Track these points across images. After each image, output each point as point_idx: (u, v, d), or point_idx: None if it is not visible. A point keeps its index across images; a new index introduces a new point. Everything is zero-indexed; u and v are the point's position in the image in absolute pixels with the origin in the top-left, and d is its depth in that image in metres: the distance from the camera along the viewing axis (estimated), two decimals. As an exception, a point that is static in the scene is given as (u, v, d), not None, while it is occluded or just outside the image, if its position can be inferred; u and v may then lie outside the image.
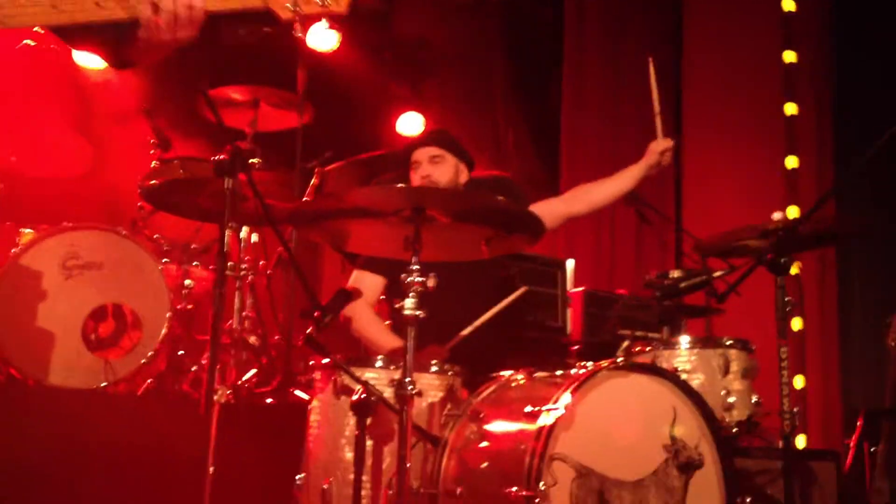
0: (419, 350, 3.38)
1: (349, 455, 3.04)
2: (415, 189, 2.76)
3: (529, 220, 2.92)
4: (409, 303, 2.81)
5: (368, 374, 3.08)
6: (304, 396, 4.01)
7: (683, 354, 3.48)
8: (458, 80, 7.06)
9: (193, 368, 4.14)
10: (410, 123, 6.72)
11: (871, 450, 4.73)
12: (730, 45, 6.66)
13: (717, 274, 3.31)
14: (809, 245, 3.84)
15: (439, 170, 3.89)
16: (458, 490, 2.91)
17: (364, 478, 2.96)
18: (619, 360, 3.02)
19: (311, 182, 4.61)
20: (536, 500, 2.63)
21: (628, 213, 5.81)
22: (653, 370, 3.03)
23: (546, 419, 2.75)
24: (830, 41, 6.68)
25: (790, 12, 6.56)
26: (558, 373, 3.17)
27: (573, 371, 3.00)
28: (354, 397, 2.95)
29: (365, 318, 3.85)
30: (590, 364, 2.98)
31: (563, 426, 2.75)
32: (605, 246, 6.27)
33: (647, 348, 3.49)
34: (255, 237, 4.53)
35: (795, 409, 3.12)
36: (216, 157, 2.77)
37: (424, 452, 3.07)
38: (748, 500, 3.01)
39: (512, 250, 3.13)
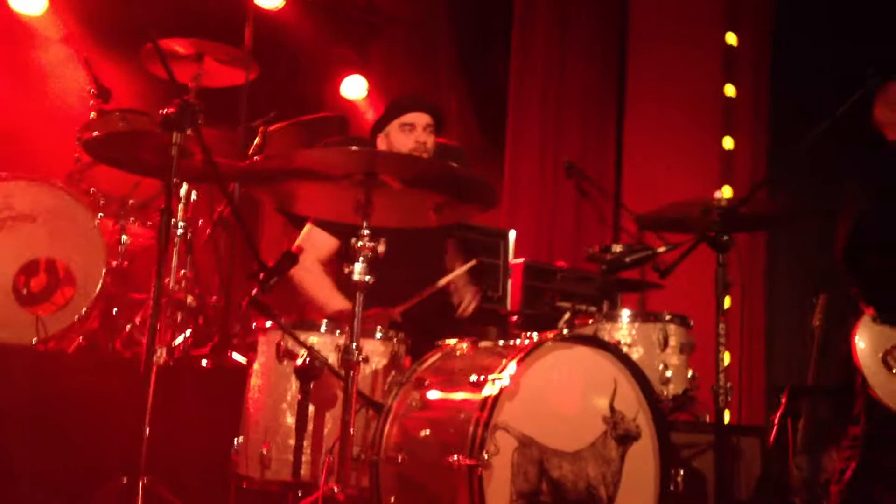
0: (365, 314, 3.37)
1: (290, 420, 3.02)
2: (368, 153, 2.71)
3: (483, 188, 2.90)
4: (357, 267, 2.78)
5: (312, 339, 3.05)
6: (241, 360, 3.96)
7: (624, 328, 3.53)
8: (404, 44, 6.99)
9: (128, 327, 4.05)
10: (354, 86, 6.65)
11: (794, 426, 4.87)
12: (673, 26, 6.71)
13: (662, 249, 3.35)
14: (750, 226, 3.91)
15: (431, 141, 3.79)
16: (400, 457, 2.90)
17: (304, 443, 2.95)
18: (564, 331, 3.02)
19: (255, 141, 4.53)
20: (479, 469, 2.64)
21: (568, 186, 5.84)
22: (595, 342, 3.05)
23: (491, 389, 2.76)
24: (769, 24, 6.78)
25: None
26: (501, 343, 3.20)
27: (517, 342, 3.01)
28: (298, 362, 2.92)
29: (313, 274, 3.72)
30: (535, 335, 2.99)
31: (508, 396, 2.76)
32: (545, 218, 6.30)
33: (590, 321, 3.52)
34: (193, 195, 4.42)
35: (728, 385, 3.18)
36: (164, 111, 2.69)
37: (366, 419, 3.06)
38: (681, 472, 3.06)
39: (462, 218, 3.11)
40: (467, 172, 2.89)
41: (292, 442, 2.95)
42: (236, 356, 4.00)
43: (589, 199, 5.31)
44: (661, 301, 4.59)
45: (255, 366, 3.17)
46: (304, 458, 2.93)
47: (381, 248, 2.80)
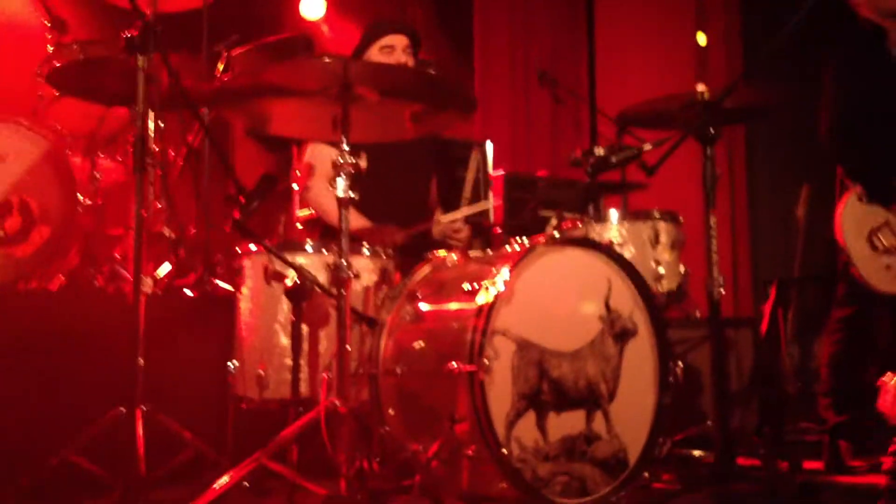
0: (378, 228, 3.34)
1: (284, 341, 3.00)
2: (341, 62, 2.62)
3: (462, 93, 2.84)
4: (340, 183, 2.72)
5: (300, 260, 3.00)
6: (227, 287, 3.91)
7: (614, 228, 3.50)
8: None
9: (107, 263, 3.97)
10: (313, 5, 6.47)
11: (784, 316, 4.92)
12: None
13: (648, 146, 3.30)
14: (733, 118, 3.86)
15: (410, 63, 3.83)
16: (398, 369, 2.90)
17: (301, 362, 2.93)
18: (555, 234, 2.99)
19: (218, 66, 4.40)
20: (479, 374, 2.63)
21: (542, 94, 5.76)
22: (587, 243, 3.03)
23: (485, 296, 2.74)
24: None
25: None
26: (490, 252, 3.17)
27: (508, 248, 2.98)
28: (288, 283, 2.88)
29: (326, 195, 3.72)
30: (525, 240, 2.96)
31: (503, 302, 2.74)
32: (521, 128, 6.22)
33: (579, 224, 3.48)
34: (161, 124, 4.29)
35: (722, 278, 3.16)
36: (126, 34, 2.58)
37: (360, 335, 3.04)
38: (680, 364, 3.06)
39: (441, 128, 3.05)
40: (443, 78, 2.83)
41: (289, 361, 2.94)
42: (222, 284, 3.94)
43: (564, 106, 5.26)
44: (643, 201, 4.56)
45: (244, 290, 3.13)
46: (301, 377, 2.92)
47: (362, 164, 2.74)
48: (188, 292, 3.95)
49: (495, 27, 6.42)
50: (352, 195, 2.73)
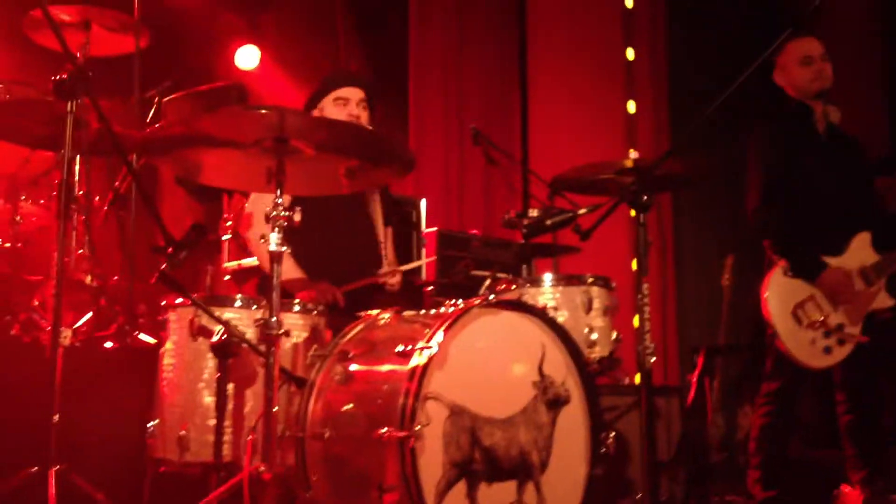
0: (313, 284, 3.25)
1: (208, 399, 2.89)
2: (275, 114, 2.56)
3: (400, 150, 2.80)
4: (273, 237, 2.65)
5: (228, 315, 2.91)
6: (149, 340, 3.78)
7: (548, 292, 3.47)
8: (298, 11, 6.78)
9: (25, 311, 3.80)
10: (248, 56, 6.43)
11: (710, 386, 4.95)
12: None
13: (583, 211, 3.30)
14: (665, 185, 3.90)
15: (364, 116, 3.75)
16: (326, 433, 2.80)
17: (225, 423, 2.82)
18: (490, 297, 2.95)
19: (150, 112, 4.31)
20: (411, 440, 2.56)
21: (475, 153, 5.77)
22: (522, 307, 2.99)
23: (419, 358, 2.67)
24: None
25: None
26: (423, 312, 3.11)
27: (443, 309, 2.93)
28: (214, 339, 2.78)
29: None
30: (460, 301, 2.92)
31: (437, 365, 2.68)
32: (454, 186, 6.22)
33: (513, 286, 3.46)
34: (86, 169, 4.17)
35: (653, 346, 3.16)
36: (56, 77, 2.49)
37: (288, 395, 2.95)
38: (612, 434, 3.04)
39: (378, 183, 3.01)
40: (380, 135, 2.79)
41: (212, 422, 2.83)
42: (144, 337, 3.81)
43: (497, 166, 5.27)
44: (572, 265, 4.57)
45: (168, 345, 3.01)
46: (225, 439, 2.80)
47: (297, 217, 2.68)
48: (108, 344, 3.79)
49: (429, 85, 6.45)
50: (284, 249, 2.66)
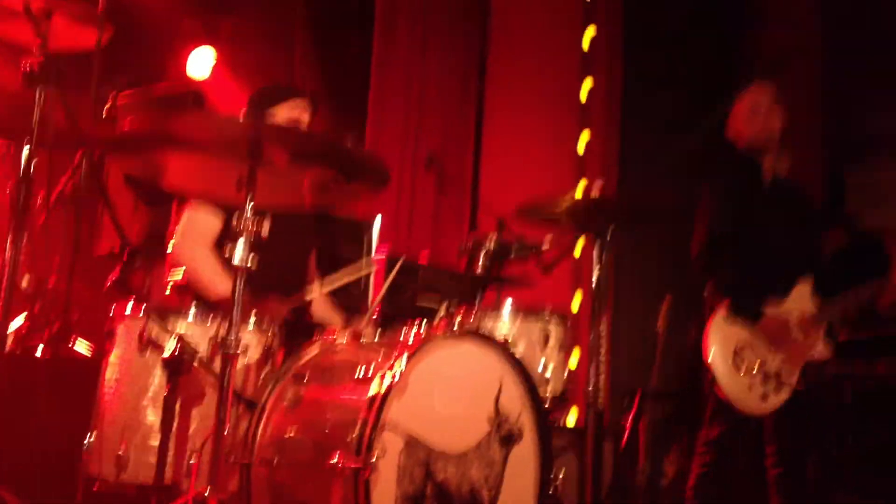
0: (258, 301, 3.13)
1: (152, 418, 2.76)
2: (259, 124, 2.47)
3: (375, 165, 2.72)
4: (239, 250, 2.54)
5: (181, 328, 2.79)
6: (84, 352, 3.61)
7: (506, 324, 3.41)
8: (256, 21, 6.67)
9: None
10: (200, 63, 6.29)
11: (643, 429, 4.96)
12: (532, 25, 6.72)
13: (546, 244, 3.27)
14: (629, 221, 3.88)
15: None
16: (276, 459, 2.69)
17: (168, 443, 2.69)
18: (454, 326, 2.88)
19: (105, 110, 4.17)
20: (366, 471, 2.47)
21: (427, 181, 5.74)
22: (484, 339, 2.92)
23: (379, 386, 2.59)
24: (621, 26, 6.92)
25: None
26: (377, 337, 3.03)
27: (402, 336, 2.85)
28: (166, 353, 2.65)
29: (201, 260, 3.39)
30: (423, 329, 2.85)
31: (397, 394, 2.61)
32: (403, 212, 6.14)
33: (471, 316, 3.39)
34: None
35: (600, 387, 3.13)
36: (26, 66, 2.36)
37: (236, 418, 2.83)
38: (560, 475, 2.99)
39: (349, 199, 2.92)
40: (360, 149, 2.72)
41: (154, 442, 2.69)
42: (79, 348, 3.63)
43: (447, 195, 5.23)
44: (516, 300, 4.53)
45: (112, 357, 2.86)
46: (167, 460, 2.67)
47: (264, 230, 2.57)
48: (39, 352, 3.61)
49: (389, 110, 6.38)
50: (249, 264, 2.54)
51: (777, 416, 3.84)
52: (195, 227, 3.39)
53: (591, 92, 6.67)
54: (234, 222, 2.53)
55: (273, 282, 3.43)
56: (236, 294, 2.51)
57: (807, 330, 3.87)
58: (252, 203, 2.55)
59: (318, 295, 3.51)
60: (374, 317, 3.25)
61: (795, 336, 3.85)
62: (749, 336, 3.83)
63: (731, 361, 3.80)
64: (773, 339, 3.82)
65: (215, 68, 6.25)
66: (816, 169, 7.43)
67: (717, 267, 3.93)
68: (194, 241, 3.38)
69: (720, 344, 3.83)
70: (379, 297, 3.39)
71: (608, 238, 3.16)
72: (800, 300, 3.91)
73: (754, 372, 3.79)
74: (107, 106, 4.10)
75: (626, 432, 4.93)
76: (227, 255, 2.56)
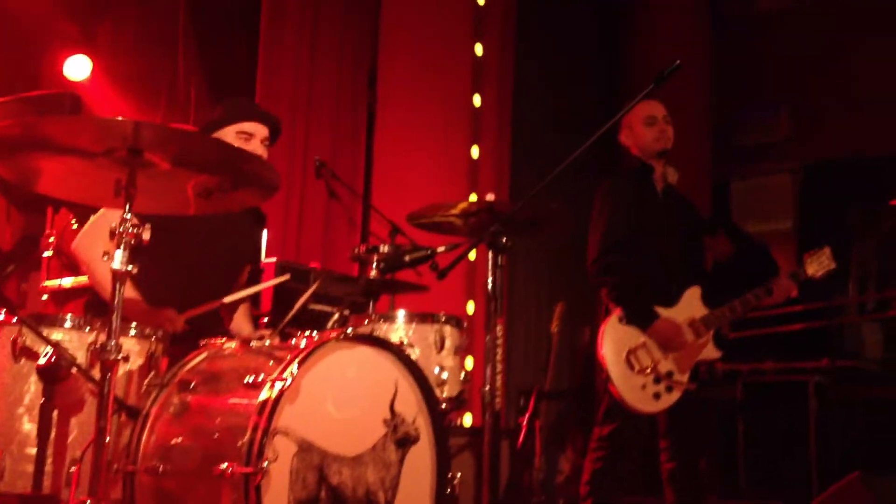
0: (154, 310, 3.00)
1: (28, 426, 2.64)
2: (131, 124, 2.36)
3: (264, 172, 2.65)
4: (118, 256, 2.43)
5: (57, 335, 2.66)
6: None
7: (401, 328, 3.39)
8: (135, 25, 6.45)
9: None
10: (78, 66, 6.06)
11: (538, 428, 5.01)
12: (423, 34, 6.73)
13: (441, 249, 3.25)
14: (519, 229, 3.90)
15: (265, 155, 3.48)
16: (161, 467, 2.60)
17: (47, 452, 2.56)
18: (348, 330, 2.83)
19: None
20: (257, 477, 2.40)
21: (317, 186, 5.64)
22: (379, 342, 2.90)
23: (270, 391, 2.53)
24: (513, 37, 7.01)
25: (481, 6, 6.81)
26: (268, 343, 2.95)
27: (294, 341, 2.79)
28: (41, 361, 2.52)
29: (99, 259, 3.21)
30: (315, 334, 2.79)
31: (288, 399, 2.55)
32: (293, 218, 6.04)
33: (366, 321, 3.35)
34: None
35: (498, 388, 3.12)
36: None
37: (118, 426, 2.72)
38: (458, 476, 2.98)
39: (236, 206, 2.83)
40: (245, 153, 2.64)
41: (31, 451, 2.56)
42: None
43: (338, 201, 5.16)
44: (408, 303, 4.50)
45: (-14, 366, 2.71)
46: (46, 470, 2.54)
47: (145, 236, 2.47)
48: None
49: (277, 111, 6.26)
50: (130, 269, 2.44)
51: (670, 413, 3.93)
52: (103, 225, 3.24)
53: (483, 101, 6.74)
54: (112, 227, 2.43)
55: (171, 292, 3.31)
56: (116, 300, 2.41)
57: (697, 332, 3.96)
58: (131, 208, 2.45)
59: (222, 304, 3.39)
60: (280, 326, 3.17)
61: (686, 338, 3.94)
62: (642, 338, 3.90)
63: (625, 361, 3.87)
64: (665, 341, 3.90)
65: (93, 74, 6.04)
66: (704, 179, 7.69)
67: (612, 271, 3.98)
68: (97, 237, 3.24)
69: (614, 344, 3.89)
70: (297, 307, 3.30)
71: (503, 243, 3.14)
72: (690, 305, 4.01)
73: (647, 372, 3.86)
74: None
75: (523, 432, 4.98)
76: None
